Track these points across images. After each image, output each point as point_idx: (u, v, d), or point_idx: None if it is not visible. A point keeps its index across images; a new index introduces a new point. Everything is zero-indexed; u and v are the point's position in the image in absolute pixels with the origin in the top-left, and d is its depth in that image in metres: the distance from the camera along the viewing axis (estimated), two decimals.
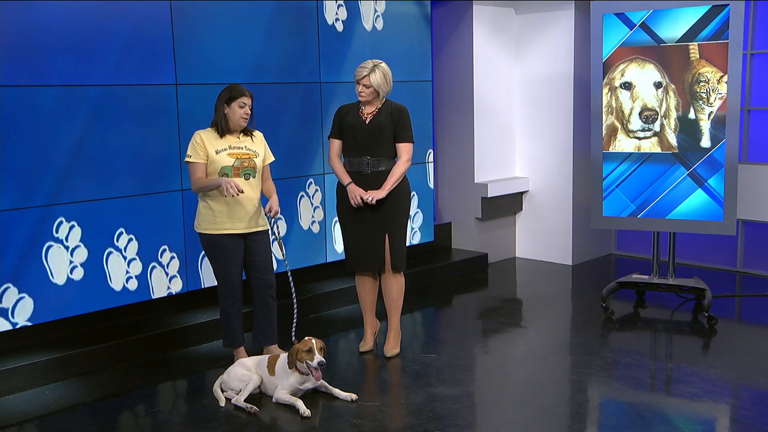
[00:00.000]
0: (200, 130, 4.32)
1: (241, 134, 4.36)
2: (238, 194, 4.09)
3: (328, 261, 5.90)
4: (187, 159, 4.28)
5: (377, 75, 4.44)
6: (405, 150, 4.56)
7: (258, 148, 4.39)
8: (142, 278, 4.84)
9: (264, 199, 4.45)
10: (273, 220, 4.43)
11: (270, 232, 4.47)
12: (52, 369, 4.35)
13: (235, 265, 4.34)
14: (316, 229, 5.79)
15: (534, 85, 7.05)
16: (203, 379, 4.44)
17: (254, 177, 4.34)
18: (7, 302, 4.30)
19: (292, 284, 4.49)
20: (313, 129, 5.68)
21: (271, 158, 4.50)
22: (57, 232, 4.45)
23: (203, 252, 5.02)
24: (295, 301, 4.47)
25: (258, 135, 4.45)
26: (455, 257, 6.84)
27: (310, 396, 4.05)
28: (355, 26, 5.86)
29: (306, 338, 3.98)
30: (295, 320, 4.44)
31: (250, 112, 4.30)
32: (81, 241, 4.55)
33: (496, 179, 7.05)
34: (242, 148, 4.31)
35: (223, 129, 4.28)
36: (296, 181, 5.61)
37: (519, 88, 7.16)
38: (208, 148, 4.24)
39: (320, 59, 5.67)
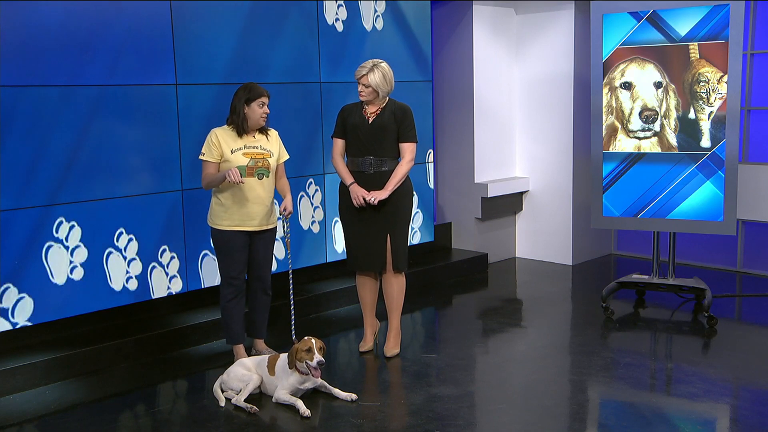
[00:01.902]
0: (217, 129, 4.33)
1: (257, 133, 4.37)
2: (241, 182, 4.12)
3: (328, 261, 5.90)
4: (201, 156, 4.31)
5: (376, 75, 4.44)
6: (408, 150, 4.56)
7: (273, 147, 4.40)
8: (142, 278, 4.84)
9: (278, 198, 4.47)
10: (285, 220, 4.45)
11: (282, 230, 4.50)
12: (52, 369, 4.35)
13: (240, 261, 4.36)
14: (316, 229, 5.79)
15: (534, 85, 7.05)
16: (203, 379, 4.44)
17: (267, 177, 4.36)
18: (7, 302, 4.30)
19: (291, 284, 4.50)
20: (312, 129, 5.67)
21: (285, 156, 4.51)
22: (57, 232, 4.45)
23: (203, 252, 5.05)
24: (292, 301, 4.47)
25: (273, 133, 4.47)
26: (455, 257, 6.84)
27: (310, 396, 4.05)
28: (355, 26, 5.86)
29: (306, 338, 3.98)
30: (293, 320, 4.45)
31: (268, 111, 4.32)
32: (81, 241, 4.55)
33: (496, 179, 7.05)
34: (257, 148, 4.32)
35: (242, 129, 4.29)
36: (296, 181, 5.60)
37: (519, 88, 7.16)
38: (223, 148, 4.25)
39: (320, 59, 5.66)
